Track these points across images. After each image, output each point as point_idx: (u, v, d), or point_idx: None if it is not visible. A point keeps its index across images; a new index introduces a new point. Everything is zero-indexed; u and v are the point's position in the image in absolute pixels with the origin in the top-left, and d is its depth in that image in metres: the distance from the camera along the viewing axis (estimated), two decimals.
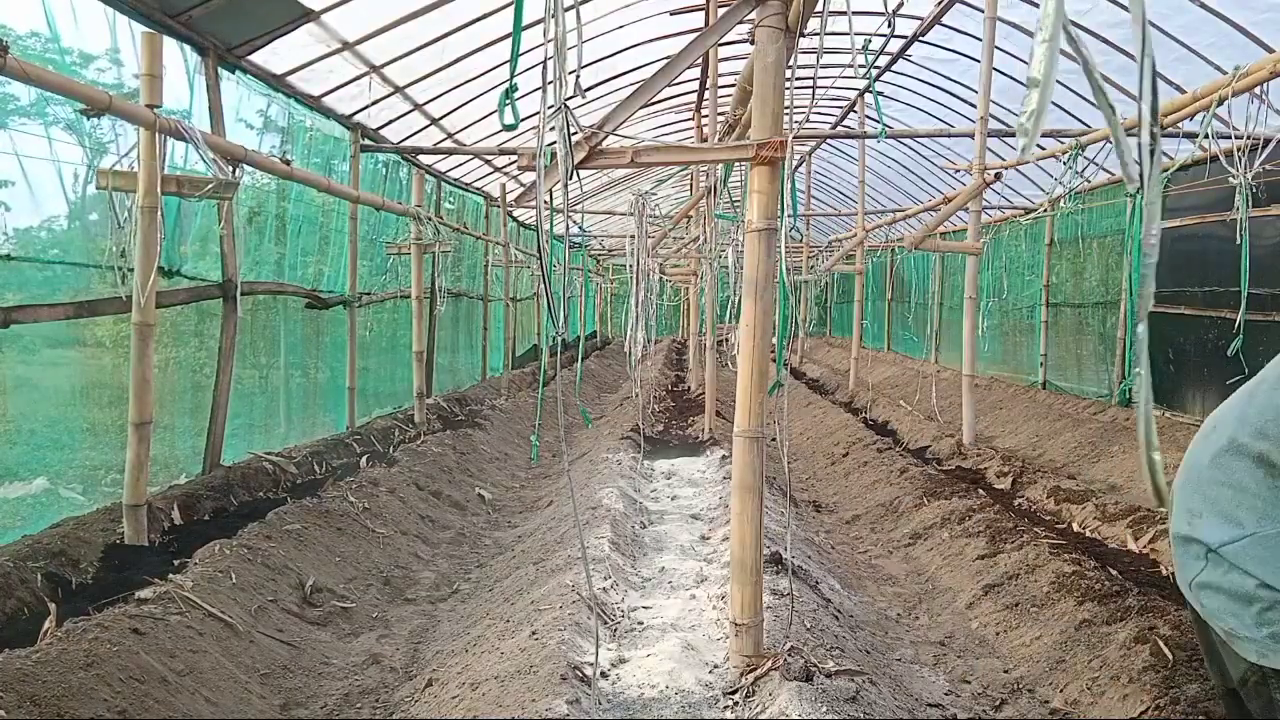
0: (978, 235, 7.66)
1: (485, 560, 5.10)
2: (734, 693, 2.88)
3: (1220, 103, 4.94)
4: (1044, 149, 7.87)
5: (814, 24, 2.92)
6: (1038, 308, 11.43)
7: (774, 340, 3.07)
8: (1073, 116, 7.49)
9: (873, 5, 6.57)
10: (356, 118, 7.45)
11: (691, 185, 12.03)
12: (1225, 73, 5.02)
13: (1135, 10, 1.22)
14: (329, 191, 6.65)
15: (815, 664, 2.85)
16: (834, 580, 4.53)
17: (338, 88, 6.96)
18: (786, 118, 2.87)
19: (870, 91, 10.55)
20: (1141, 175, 1.32)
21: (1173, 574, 4.45)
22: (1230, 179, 4.99)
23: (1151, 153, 1.28)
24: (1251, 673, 1.63)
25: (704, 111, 9.10)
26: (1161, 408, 8.47)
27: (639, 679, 3.06)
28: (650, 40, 9.43)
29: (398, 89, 7.68)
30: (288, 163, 5.62)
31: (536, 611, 3.59)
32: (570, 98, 2.53)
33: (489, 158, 10.42)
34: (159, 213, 4.11)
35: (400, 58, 7.18)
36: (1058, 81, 1.29)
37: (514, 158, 8.99)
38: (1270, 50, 5.94)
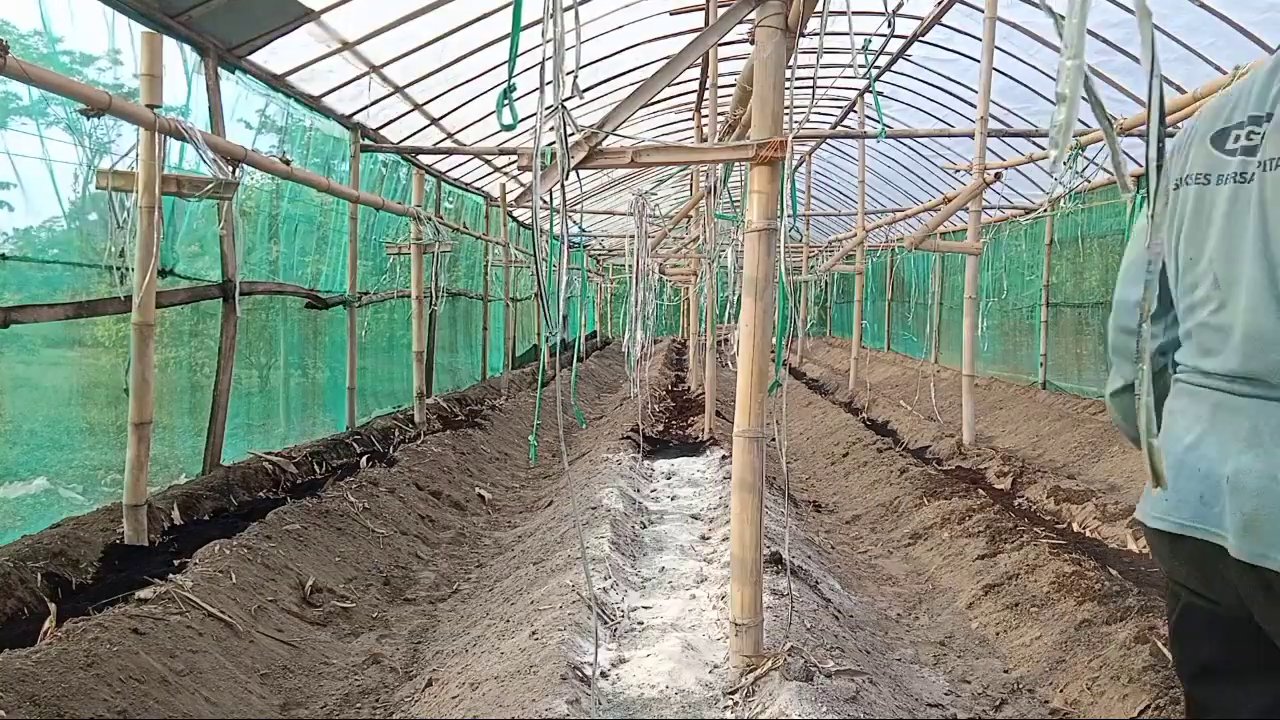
0: (978, 235, 7.66)
1: (485, 560, 5.10)
2: (734, 693, 2.88)
3: None
4: (1044, 149, 7.86)
5: (814, 24, 2.92)
6: (1038, 308, 11.43)
7: (774, 340, 3.07)
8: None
9: (873, 5, 6.57)
10: (356, 118, 7.45)
11: (691, 185, 12.03)
12: (1225, 73, 5.02)
13: (1144, 31, 1.23)
14: (329, 191, 6.65)
15: (815, 664, 2.85)
16: (834, 580, 4.53)
17: (338, 88, 6.96)
18: (786, 118, 2.87)
19: (870, 91, 10.56)
20: (1149, 188, 1.33)
21: None
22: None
23: (1159, 168, 1.30)
24: None
25: (704, 111, 9.10)
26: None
27: (639, 679, 3.06)
28: (650, 40, 9.44)
29: (398, 89, 7.68)
30: (287, 163, 5.62)
31: (536, 611, 3.59)
32: (568, 98, 2.53)
33: (489, 158, 10.42)
34: (158, 213, 4.12)
35: (400, 58, 7.18)
36: (1054, 80, 1.31)
37: (514, 158, 9.00)
38: (1270, 50, 5.94)
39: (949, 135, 9.74)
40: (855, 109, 12.06)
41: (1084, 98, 1.26)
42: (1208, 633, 1.60)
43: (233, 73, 5.77)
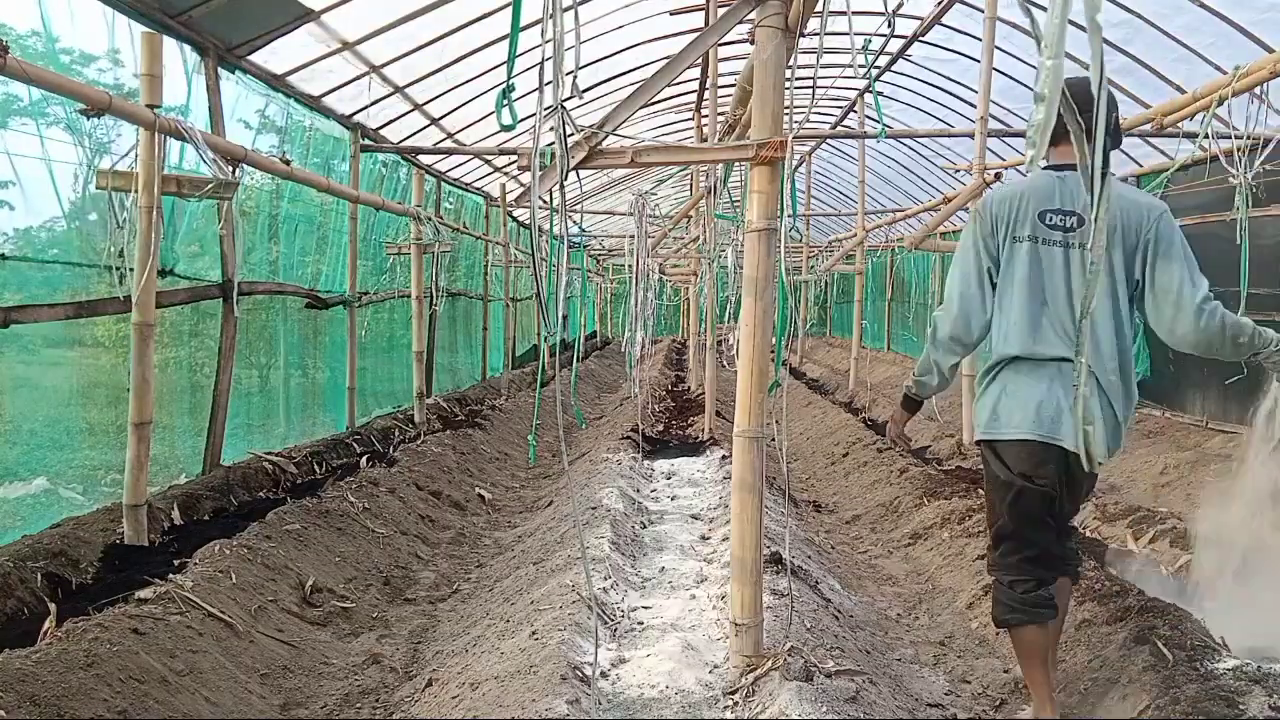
0: None
1: (485, 560, 5.10)
2: (734, 693, 2.88)
3: (1220, 103, 4.93)
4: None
5: (814, 24, 2.92)
6: None
7: (774, 340, 3.07)
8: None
9: (873, 5, 6.56)
10: (356, 118, 7.45)
11: (691, 185, 12.03)
12: (1225, 73, 5.01)
13: (1094, 44, 1.25)
14: (329, 191, 6.65)
15: (815, 664, 2.85)
16: (834, 580, 4.53)
17: (338, 88, 6.96)
18: (786, 118, 2.87)
19: (870, 91, 10.55)
20: (1093, 195, 1.39)
21: (1173, 573, 4.46)
22: (1230, 179, 4.98)
23: (1103, 175, 1.38)
24: None
25: (704, 111, 9.10)
26: (1162, 408, 8.47)
27: (639, 679, 3.06)
28: (650, 40, 9.43)
29: (398, 89, 7.68)
30: (287, 163, 5.62)
31: (536, 611, 3.59)
32: (568, 99, 2.53)
33: (489, 158, 10.42)
34: (158, 213, 4.12)
35: (400, 58, 7.18)
36: None
37: (514, 158, 9.00)
38: (1270, 50, 5.93)
39: (949, 135, 9.74)
40: (855, 109, 12.05)
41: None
42: (1039, 502, 2.82)
43: (233, 73, 5.77)
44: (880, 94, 10.32)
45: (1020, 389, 2.79)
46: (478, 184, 11.78)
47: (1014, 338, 2.79)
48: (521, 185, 11.69)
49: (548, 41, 2.42)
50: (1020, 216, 2.79)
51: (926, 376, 3.10)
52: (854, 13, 2.94)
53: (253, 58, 5.86)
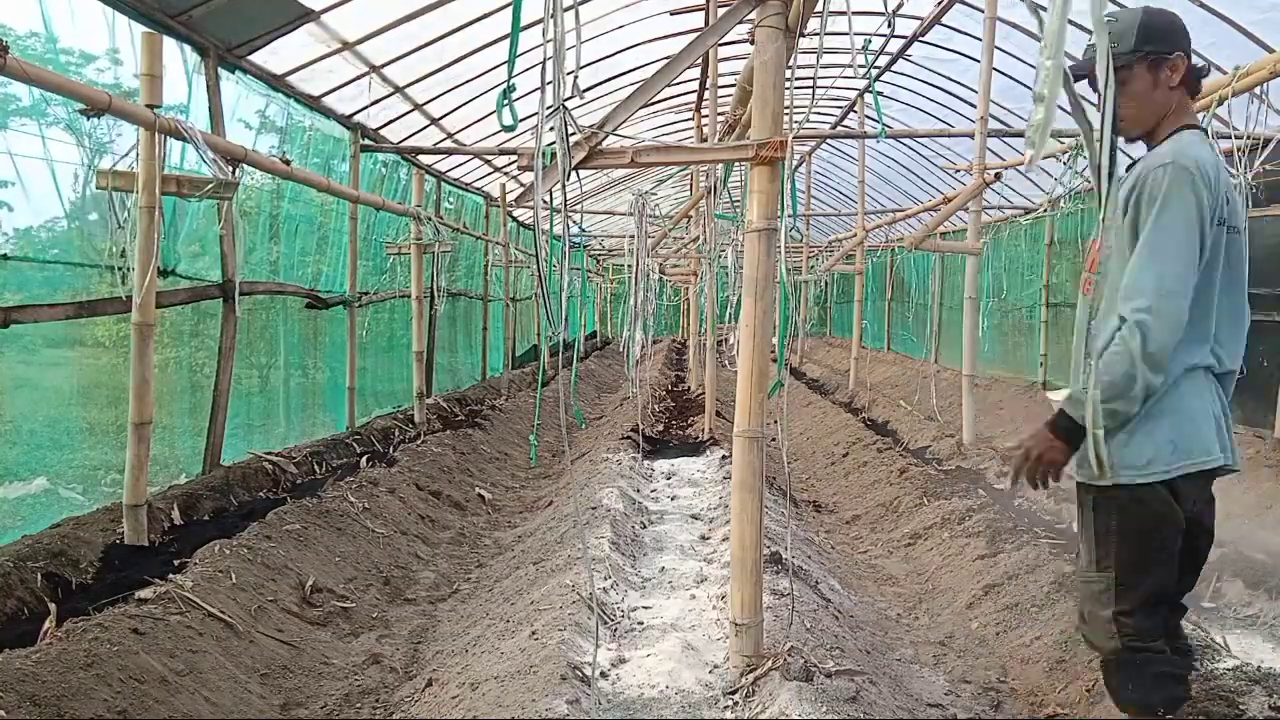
0: (978, 235, 7.66)
1: (485, 560, 5.10)
2: (734, 693, 2.88)
3: (1220, 103, 4.93)
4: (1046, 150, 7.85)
5: (814, 24, 2.92)
6: (1038, 308, 11.42)
7: (774, 340, 3.07)
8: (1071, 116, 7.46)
9: (873, 5, 6.57)
10: (356, 118, 7.45)
11: (691, 185, 12.03)
12: (1225, 73, 5.01)
13: (1100, 42, 1.25)
14: (329, 191, 6.65)
15: (815, 664, 2.85)
16: (834, 580, 4.53)
17: (338, 88, 6.96)
18: (786, 118, 2.87)
19: (870, 91, 10.55)
20: (1099, 192, 1.40)
21: None
22: (1230, 179, 4.97)
23: (1110, 175, 1.39)
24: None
25: (704, 111, 9.10)
26: None
27: (639, 679, 3.06)
28: (650, 40, 9.44)
29: (398, 89, 7.68)
30: (287, 163, 5.62)
31: (536, 611, 3.59)
32: (569, 98, 2.53)
33: (489, 158, 10.42)
34: (159, 213, 4.12)
35: (400, 58, 7.18)
36: None
37: (514, 158, 8.99)
38: (1270, 50, 5.93)
39: (949, 135, 9.74)
40: (855, 109, 12.05)
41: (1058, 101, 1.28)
42: (1182, 537, 2.28)
43: (233, 73, 5.77)
44: (880, 94, 10.32)
45: (1198, 405, 2.23)
46: (478, 184, 11.78)
47: (1208, 344, 2.26)
48: (522, 185, 11.69)
49: (548, 41, 2.42)
50: (1232, 200, 2.25)
51: (1123, 403, 2.15)
52: (854, 13, 2.95)
53: (253, 58, 5.86)
